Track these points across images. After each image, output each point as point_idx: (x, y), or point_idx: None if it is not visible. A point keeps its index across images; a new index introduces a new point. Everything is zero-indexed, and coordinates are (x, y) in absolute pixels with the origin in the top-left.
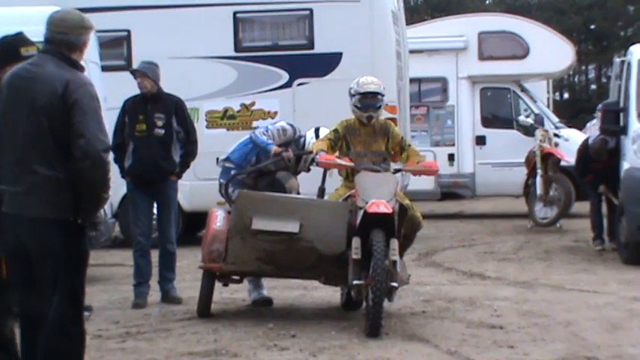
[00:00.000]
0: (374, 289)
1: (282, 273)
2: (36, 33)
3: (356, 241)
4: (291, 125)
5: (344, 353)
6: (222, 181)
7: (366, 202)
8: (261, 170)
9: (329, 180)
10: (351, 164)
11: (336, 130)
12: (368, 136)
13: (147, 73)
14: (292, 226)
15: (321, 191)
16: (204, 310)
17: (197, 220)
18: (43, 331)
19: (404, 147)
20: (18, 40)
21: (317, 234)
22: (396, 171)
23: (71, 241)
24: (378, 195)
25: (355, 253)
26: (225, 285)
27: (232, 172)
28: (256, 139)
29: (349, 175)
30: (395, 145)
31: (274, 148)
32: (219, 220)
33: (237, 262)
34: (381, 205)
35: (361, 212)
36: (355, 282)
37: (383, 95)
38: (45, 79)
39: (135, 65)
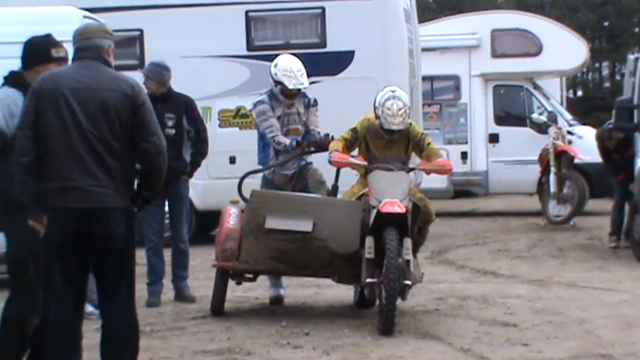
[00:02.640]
0: (387, 287)
1: (295, 272)
2: (60, 33)
3: (369, 241)
4: (259, 101)
5: (357, 351)
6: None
7: (379, 202)
8: (295, 175)
9: (342, 177)
10: (364, 163)
11: (354, 130)
12: (389, 140)
13: (149, 75)
14: (305, 225)
15: (334, 189)
16: (218, 309)
17: (210, 218)
18: (112, 323)
19: (423, 147)
20: (48, 41)
21: (330, 233)
22: (409, 170)
23: (134, 227)
24: (391, 194)
25: (368, 253)
26: (239, 283)
27: (264, 173)
28: (279, 146)
29: (366, 173)
30: (414, 144)
31: (296, 142)
32: (232, 218)
33: (250, 261)
34: (395, 205)
35: (374, 211)
36: (368, 280)
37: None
38: (111, 82)
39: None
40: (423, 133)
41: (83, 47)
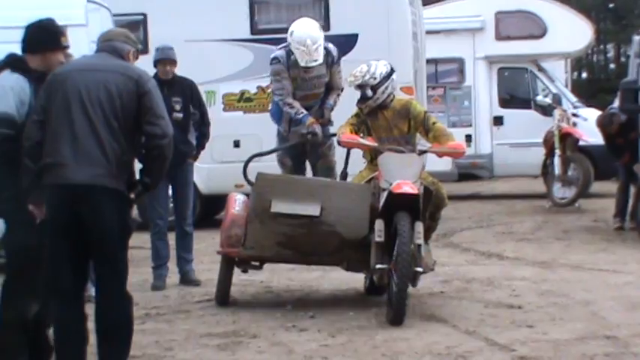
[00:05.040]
0: (399, 274)
1: (302, 258)
2: (64, 17)
3: (379, 224)
4: (276, 58)
5: (362, 334)
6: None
7: (390, 184)
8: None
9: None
10: (374, 144)
11: (357, 115)
12: (389, 120)
13: (157, 58)
14: (313, 209)
15: (344, 175)
16: (223, 298)
17: (215, 203)
18: (102, 309)
19: (428, 127)
20: (59, 29)
21: (339, 217)
22: (421, 152)
23: (126, 213)
24: (402, 176)
25: (378, 236)
26: (245, 271)
27: (280, 130)
28: (288, 107)
29: (373, 159)
30: (418, 124)
31: (310, 120)
32: (237, 204)
33: (256, 247)
34: (407, 186)
35: (385, 194)
36: (378, 266)
37: (372, 86)
38: (117, 66)
39: (151, 49)
40: (425, 112)
41: (102, 47)
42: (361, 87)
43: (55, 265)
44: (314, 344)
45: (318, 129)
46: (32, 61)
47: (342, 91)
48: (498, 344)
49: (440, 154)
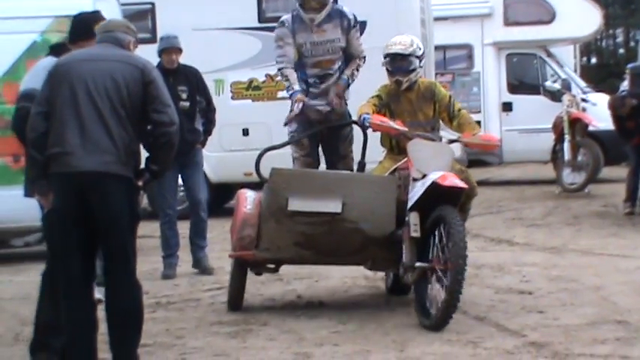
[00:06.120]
0: (453, 273)
1: (323, 259)
2: (70, 6)
3: (414, 217)
4: (281, 22)
5: (373, 320)
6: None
7: (423, 174)
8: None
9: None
10: (405, 129)
11: (379, 96)
12: (412, 102)
13: (162, 48)
14: (334, 206)
15: (362, 166)
16: (236, 304)
17: (224, 191)
18: (112, 295)
19: (453, 114)
20: (94, 17)
21: (362, 213)
22: (451, 142)
23: (135, 200)
24: (435, 166)
25: (414, 231)
26: (259, 274)
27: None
28: (283, 79)
29: (394, 148)
30: (442, 109)
31: (297, 97)
32: (248, 202)
33: (271, 249)
34: (455, 178)
35: (418, 184)
36: (418, 264)
37: (418, 56)
38: (121, 56)
39: (158, 37)
40: (450, 97)
41: (104, 38)
42: (402, 57)
43: (64, 253)
44: (324, 331)
45: (297, 108)
46: (73, 50)
47: (363, 60)
48: (509, 330)
49: (471, 146)
